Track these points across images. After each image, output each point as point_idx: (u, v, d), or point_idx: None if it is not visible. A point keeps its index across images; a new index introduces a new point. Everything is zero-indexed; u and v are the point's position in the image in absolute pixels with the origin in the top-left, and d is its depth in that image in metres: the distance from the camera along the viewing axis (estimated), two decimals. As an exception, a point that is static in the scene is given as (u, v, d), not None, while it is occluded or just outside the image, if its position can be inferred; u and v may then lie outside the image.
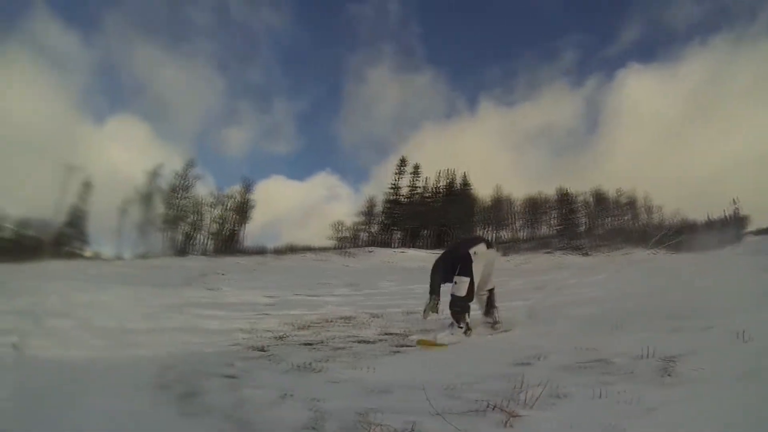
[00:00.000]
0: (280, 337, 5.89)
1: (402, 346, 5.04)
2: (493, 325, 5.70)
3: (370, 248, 43.58)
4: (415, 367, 4.00)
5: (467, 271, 5.39)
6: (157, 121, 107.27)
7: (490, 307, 5.82)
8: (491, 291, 5.89)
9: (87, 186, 52.30)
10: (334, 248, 42.73)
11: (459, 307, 5.31)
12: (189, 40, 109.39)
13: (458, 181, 58.93)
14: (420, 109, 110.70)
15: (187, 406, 3.16)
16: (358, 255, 38.08)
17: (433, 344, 4.92)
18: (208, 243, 51.98)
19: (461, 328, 5.30)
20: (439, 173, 59.25)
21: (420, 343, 5.02)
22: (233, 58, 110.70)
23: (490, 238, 8.55)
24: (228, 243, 50.08)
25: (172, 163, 72.54)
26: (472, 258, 5.46)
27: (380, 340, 5.50)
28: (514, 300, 7.55)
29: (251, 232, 59.96)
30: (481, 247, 5.64)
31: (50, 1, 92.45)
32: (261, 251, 40.98)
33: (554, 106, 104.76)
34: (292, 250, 40.41)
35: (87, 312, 7.48)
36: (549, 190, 58.17)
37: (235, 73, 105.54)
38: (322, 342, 5.46)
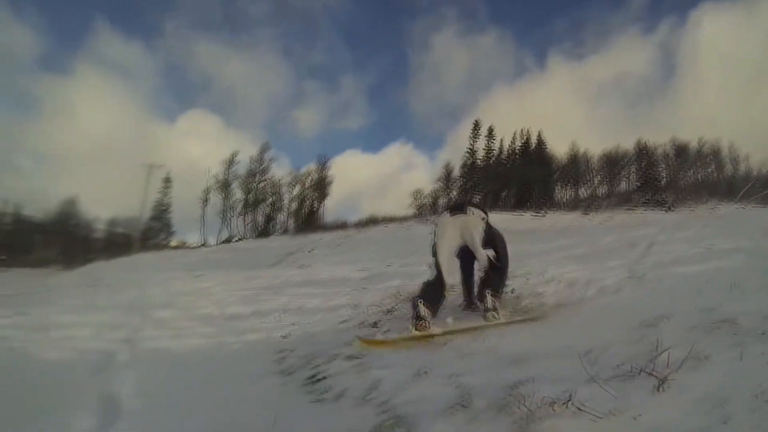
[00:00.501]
0: (389, 311, 5.57)
1: (515, 311, 4.59)
2: (485, 314, 4.30)
3: (450, 214, 42.91)
4: (538, 335, 3.60)
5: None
6: (227, 112, 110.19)
7: (484, 288, 4.41)
8: (490, 270, 4.46)
9: (167, 181, 55.45)
10: (415, 216, 42.18)
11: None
12: (248, 31, 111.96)
13: (533, 140, 56.93)
14: (488, 71, 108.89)
15: (316, 391, 2.99)
16: (440, 222, 36.93)
17: (380, 343, 3.97)
18: (289, 222, 53.14)
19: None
20: (514, 134, 57.36)
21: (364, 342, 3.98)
22: (295, 42, 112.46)
23: (470, 199, 6.84)
24: (309, 220, 50.86)
25: (248, 150, 74.64)
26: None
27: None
28: (610, 259, 6.93)
29: (330, 208, 60.60)
30: (442, 217, 4.71)
31: (110, 17, 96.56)
32: (342, 225, 40.98)
33: (626, 55, 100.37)
34: (373, 221, 40.14)
35: (187, 300, 7.48)
36: (626, 144, 54.84)
37: (299, 57, 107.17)
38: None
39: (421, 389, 2.62)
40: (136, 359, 4.32)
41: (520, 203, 46.49)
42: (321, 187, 55.34)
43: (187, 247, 44.51)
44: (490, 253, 4.40)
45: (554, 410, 2.03)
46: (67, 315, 6.70)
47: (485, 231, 4.40)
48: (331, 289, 8.09)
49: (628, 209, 35.62)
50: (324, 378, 3.20)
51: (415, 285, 5.79)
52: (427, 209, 50.69)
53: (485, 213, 4.54)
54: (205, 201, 53.27)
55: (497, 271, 4.41)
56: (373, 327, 4.72)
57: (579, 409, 1.99)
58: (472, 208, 4.50)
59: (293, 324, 5.46)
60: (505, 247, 4.60)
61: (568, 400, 2.06)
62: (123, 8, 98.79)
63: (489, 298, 4.26)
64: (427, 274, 4.38)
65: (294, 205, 54.55)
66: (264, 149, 54.98)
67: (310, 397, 2.92)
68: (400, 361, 3.22)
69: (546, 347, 3.04)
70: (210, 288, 8.80)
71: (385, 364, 3.21)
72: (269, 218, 53.03)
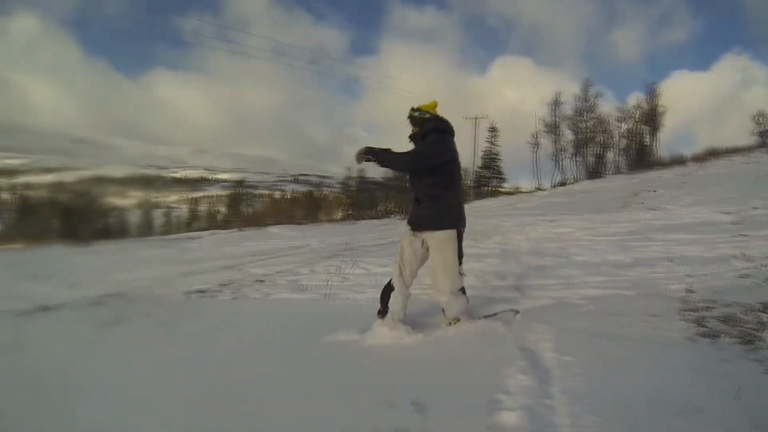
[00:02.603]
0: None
1: None
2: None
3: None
4: None
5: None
6: (535, 52, 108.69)
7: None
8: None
9: (493, 130, 57.25)
10: (761, 146, 34.72)
11: None
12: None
13: None
14: None
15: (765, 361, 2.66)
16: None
17: None
18: (620, 160, 50.05)
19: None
20: None
21: None
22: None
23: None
24: (640, 157, 46.93)
25: (567, 88, 72.38)
26: None
27: None
28: None
29: (663, 141, 54.68)
30: None
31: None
32: (679, 161, 36.73)
33: None
34: (712, 154, 34.87)
35: (555, 247, 7.52)
36: None
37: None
38: None
39: None
40: (537, 310, 4.35)
41: None
42: (651, 119, 50.07)
43: (522, 192, 45.64)
44: None
45: None
46: None
47: None
48: (705, 236, 7.26)
49: None
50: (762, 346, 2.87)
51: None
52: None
53: None
54: (535, 145, 53.38)
55: None
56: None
57: None
58: None
59: (688, 276, 4.96)
60: None
61: None
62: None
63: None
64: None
65: (623, 142, 51.05)
66: (587, 85, 52.15)
67: (762, 367, 2.61)
68: None
69: None
70: (572, 233, 8.66)
71: None
72: (599, 157, 50.71)
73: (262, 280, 7.96)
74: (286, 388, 3.01)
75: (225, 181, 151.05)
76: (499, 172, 58.05)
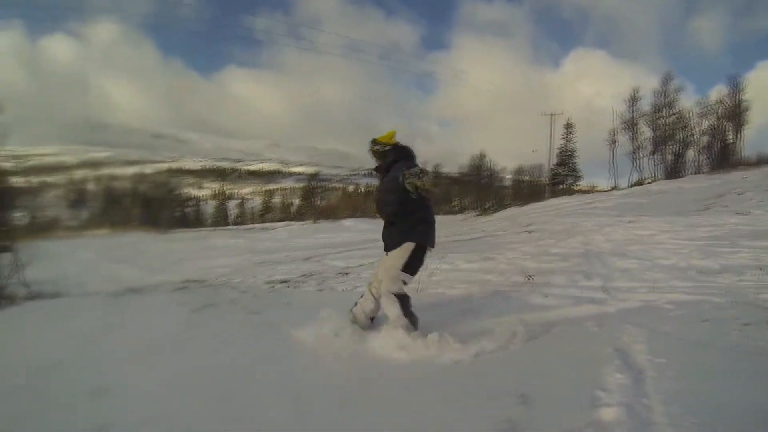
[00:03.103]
0: None
1: None
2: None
3: None
4: None
5: None
6: (611, 43, 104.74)
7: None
8: None
9: (569, 127, 56.33)
10: None
11: None
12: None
13: None
14: None
15: None
16: None
17: None
18: (701, 159, 47.46)
19: None
20: None
21: None
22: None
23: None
24: (723, 156, 44.38)
25: (645, 82, 69.66)
26: None
27: None
28: None
29: (748, 139, 51.13)
30: None
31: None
32: (766, 161, 34.72)
33: None
34: None
35: (638, 249, 7.41)
36: None
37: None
38: None
39: None
40: (625, 312, 4.41)
41: None
42: (735, 114, 46.86)
43: (597, 191, 44.34)
44: None
45: None
46: (530, 261, 7.21)
47: None
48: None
49: None
50: None
51: None
52: None
53: None
54: (612, 142, 50.28)
55: None
56: None
57: None
58: None
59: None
60: None
61: None
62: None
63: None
64: None
65: (704, 140, 48.26)
66: (667, 79, 49.30)
67: None
68: None
69: None
70: (654, 236, 8.45)
71: None
72: (678, 156, 48.24)
73: (345, 273, 8.24)
74: (387, 380, 3.26)
75: (299, 174, 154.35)
76: (575, 170, 56.97)
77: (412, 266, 4.04)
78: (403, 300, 4.04)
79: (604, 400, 2.55)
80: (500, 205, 46.36)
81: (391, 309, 4.00)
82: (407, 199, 3.92)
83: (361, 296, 4.39)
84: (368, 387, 3.20)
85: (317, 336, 4.02)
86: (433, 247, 4.17)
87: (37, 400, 3.51)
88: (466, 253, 8.30)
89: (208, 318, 5.71)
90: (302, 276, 8.82)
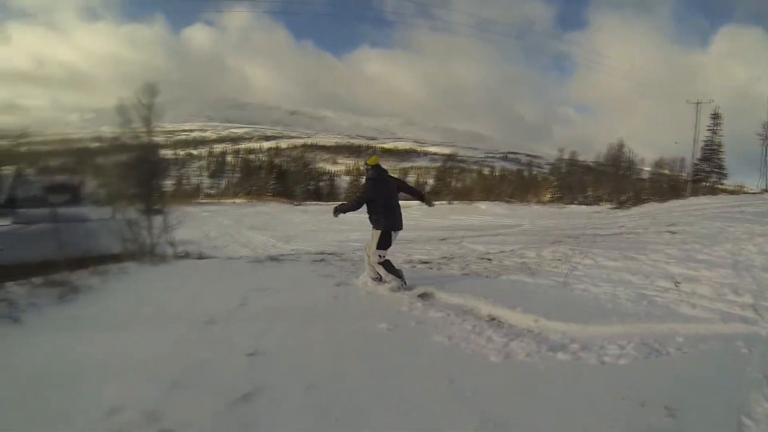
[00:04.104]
0: None
1: None
2: None
3: None
4: None
5: None
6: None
7: None
8: None
9: (716, 117, 51.18)
10: None
11: None
12: None
13: None
14: None
15: None
16: None
17: None
18: None
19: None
20: None
21: None
22: None
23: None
24: None
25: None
26: None
27: None
28: None
29: None
30: None
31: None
32: None
33: None
34: None
35: None
36: None
37: None
38: None
39: None
40: None
41: None
42: None
43: (745, 193, 40.35)
44: None
45: None
46: (675, 266, 6.74)
47: None
48: None
49: None
50: None
51: None
52: None
53: None
54: (766, 137, 44.24)
55: None
56: None
57: None
58: None
59: None
60: None
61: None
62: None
63: None
64: None
65: None
66: None
67: None
68: None
69: None
70: None
71: None
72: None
73: (488, 258, 8.32)
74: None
75: (434, 154, 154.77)
76: (721, 167, 51.90)
77: (383, 244, 6.16)
78: (386, 264, 6.15)
79: (751, 429, 2.54)
80: (637, 200, 43.61)
81: (381, 271, 6.16)
82: (373, 199, 6.14)
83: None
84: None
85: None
86: (397, 230, 6.30)
87: (199, 353, 4.06)
88: (608, 249, 8.01)
89: (349, 292, 6.22)
90: (443, 258, 9.03)
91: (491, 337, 4.23)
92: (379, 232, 6.14)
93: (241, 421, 2.90)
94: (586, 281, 6.12)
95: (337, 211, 6.35)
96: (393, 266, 6.19)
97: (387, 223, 6.15)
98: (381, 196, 6.12)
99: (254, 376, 3.49)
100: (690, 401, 2.87)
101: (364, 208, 6.27)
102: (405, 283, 6.10)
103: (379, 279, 6.23)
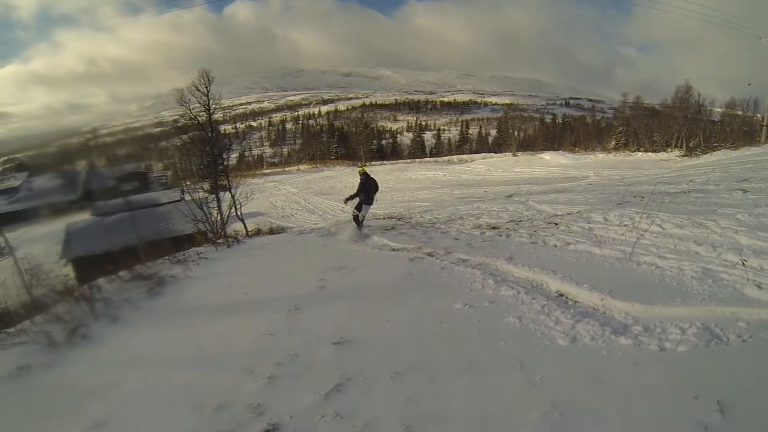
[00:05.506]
0: None
1: None
2: None
3: None
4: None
5: None
6: None
7: None
8: None
9: None
10: None
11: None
12: None
13: None
14: None
15: None
16: None
17: None
18: None
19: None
20: None
21: None
22: None
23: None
24: None
25: None
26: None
27: None
28: None
29: None
30: None
31: None
32: None
33: None
34: None
35: None
36: None
37: None
38: None
39: None
40: None
41: None
42: None
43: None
44: None
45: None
46: (745, 235, 6.01)
47: None
48: None
49: None
50: None
51: None
52: None
53: None
54: None
55: None
56: None
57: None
58: None
59: None
60: None
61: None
62: None
63: None
64: None
65: None
66: None
67: None
68: None
69: None
70: None
71: None
72: None
73: (555, 223, 8.17)
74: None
75: (494, 104, 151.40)
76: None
77: (357, 209, 10.33)
78: (355, 218, 10.40)
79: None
80: (707, 146, 40.75)
81: (354, 222, 10.53)
82: (361, 190, 10.30)
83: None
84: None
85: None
86: (368, 204, 10.39)
87: (289, 343, 4.28)
88: (675, 214, 7.38)
89: (425, 268, 6.33)
90: (511, 222, 9.01)
91: (559, 319, 4.25)
92: (356, 201, 10.42)
93: (337, 412, 3.09)
94: (653, 252, 5.90)
95: (347, 199, 10.79)
96: (359, 221, 10.39)
97: (364, 198, 10.33)
98: (364, 188, 10.33)
99: (342, 366, 3.68)
100: (743, 398, 2.77)
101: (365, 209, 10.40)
102: (360, 231, 10.10)
103: (358, 225, 10.32)
